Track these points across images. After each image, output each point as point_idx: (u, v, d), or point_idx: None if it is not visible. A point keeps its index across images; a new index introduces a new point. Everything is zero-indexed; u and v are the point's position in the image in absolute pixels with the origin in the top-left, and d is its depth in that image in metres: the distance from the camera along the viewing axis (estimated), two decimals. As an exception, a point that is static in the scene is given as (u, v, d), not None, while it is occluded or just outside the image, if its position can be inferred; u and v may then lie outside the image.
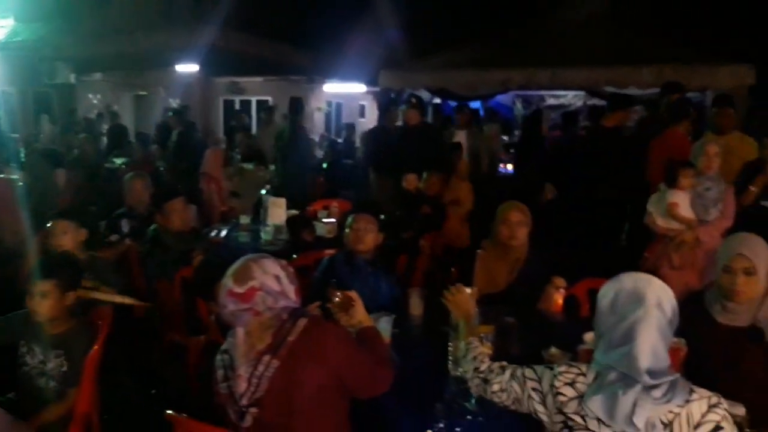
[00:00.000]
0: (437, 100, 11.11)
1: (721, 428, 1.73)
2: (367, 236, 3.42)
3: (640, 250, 4.40)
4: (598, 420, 1.77)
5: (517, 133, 11.79)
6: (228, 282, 2.09)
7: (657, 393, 1.73)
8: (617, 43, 8.68)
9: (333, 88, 14.47)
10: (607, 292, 1.92)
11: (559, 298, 3.25)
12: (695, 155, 4.19)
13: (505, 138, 10.27)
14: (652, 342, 1.77)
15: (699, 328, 2.55)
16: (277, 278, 2.13)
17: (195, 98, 13.59)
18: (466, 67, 9.30)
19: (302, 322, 2.07)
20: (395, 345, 2.76)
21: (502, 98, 11.94)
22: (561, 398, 1.85)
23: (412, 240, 5.00)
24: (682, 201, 4.09)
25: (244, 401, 2.01)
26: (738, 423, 2.31)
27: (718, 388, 2.44)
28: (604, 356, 1.85)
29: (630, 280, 1.88)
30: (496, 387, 2.04)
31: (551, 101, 11.79)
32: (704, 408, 1.75)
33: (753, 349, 2.49)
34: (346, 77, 13.41)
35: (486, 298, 3.47)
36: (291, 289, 2.16)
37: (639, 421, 1.71)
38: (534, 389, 1.93)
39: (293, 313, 2.10)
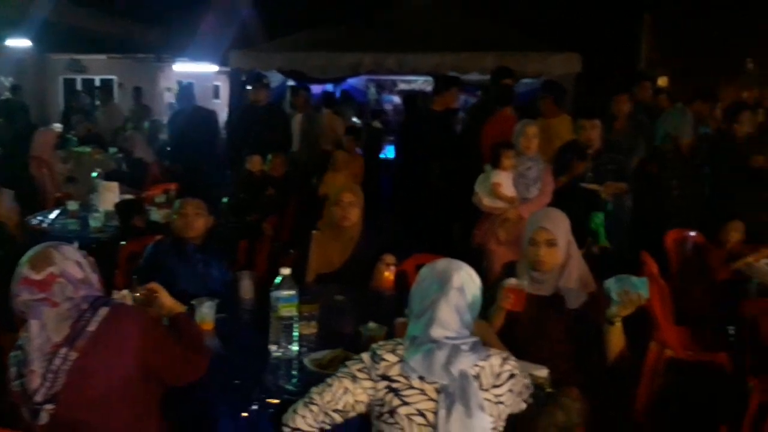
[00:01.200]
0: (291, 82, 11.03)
1: (515, 375, 2.01)
2: (197, 221, 3.33)
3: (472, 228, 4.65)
4: (420, 377, 1.92)
5: (381, 117, 12.01)
6: (23, 269, 1.96)
7: (465, 347, 1.94)
8: (463, 29, 9.02)
9: (183, 67, 13.90)
10: (423, 271, 2.09)
11: (389, 275, 3.36)
12: (516, 137, 4.47)
13: (358, 121, 10.39)
14: (446, 318, 1.95)
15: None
16: (79, 264, 2.03)
17: (29, 77, 12.54)
18: (317, 50, 9.27)
19: (103, 311, 1.98)
20: (220, 330, 2.74)
21: (356, 82, 12.07)
22: (384, 363, 1.95)
23: (257, 223, 4.96)
24: (504, 180, 4.36)
25: (39, 398, 1.91)
26: (540, 384, 2.53)
27: (527, 351, 2.67)
28: (411, 326, 2.02)
29: (443, 263, 2.06)
30: (328, 397, 1.96)
31: (402, 86, 12.09)
32: (500, 361, 1.99)
33: (555, 316, 2.72)
34: (197, 57, 12.92)
35: (321, 278, 3.55)
36: (94, 278, 2.07)
37: (454, 370, 1.90)
38: (359, 369, 1.98)
39: (95, 302, 2.01)
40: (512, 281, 2.55)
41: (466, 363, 1.91)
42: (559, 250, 2.64)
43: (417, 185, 5.36)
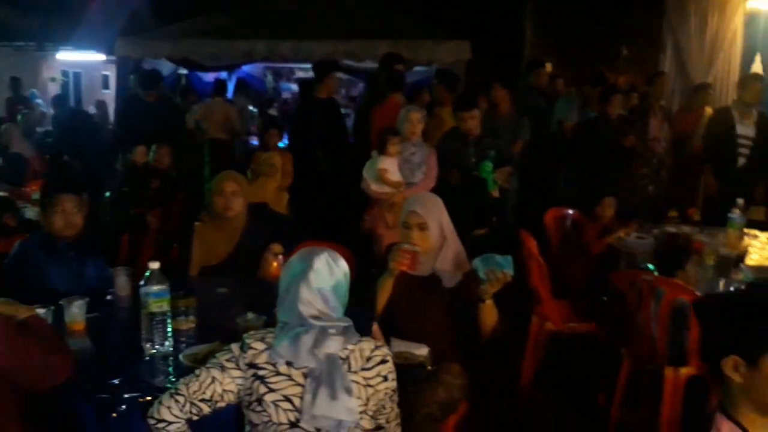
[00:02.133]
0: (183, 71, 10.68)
1: (386, 361, 2.00)
2: (73, 218, 3.16)
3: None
4: (287, 363, 1.90)
5: (276, 105, 11.84)
6: None
7: (333, 330, 1.93)
8: (356, 17, 9.02)
9: (69, 56, 13.16)
10: (291, 259, 2.07)
11: (276, 265, 3.32)
12: (401, 123, 4.53)
13: (254, 110, 10.22)
14: (308, 297, 1.94)
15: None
16: None
17: None
18: (209, 37, 9.02)
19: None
20: (93, 329, 2.63)
21: (253, 70, 11.85)
22: (252, 352, 1.93)
23: (141, 216, 4.79)
24: (390, 166, 4.42)
25: None
26: (421, 362, 2.59)
27: (408, 331, 2.72)
28: (280, 312, 2.01)
29: (308, 250, 2.05)
30: (194, 387, 1.92)
31: (300, 74, 11.96)
32: (372, 346, 2.00)
33: (433, 296, 2.78)
34: (82, 45, 12.26)
35: (206, 271, 3.46)
36: None
37: (320, 353, 1.89)
38: (228, 359, 1.95)
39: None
40: (406, 245, 2.60)
41: (334, 346, 1.91)
42: (431, 234, 2.70)
43: (305, 173, 5.34)
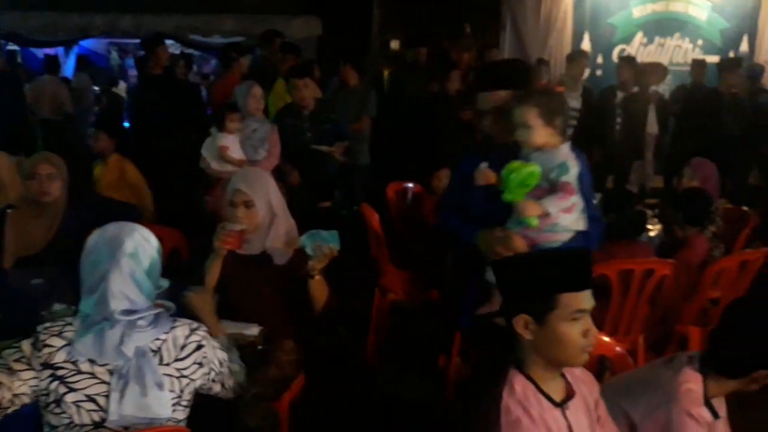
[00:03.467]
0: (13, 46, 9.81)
1: (203, 345, 1.90)
2: None
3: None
4: (90, 361, 1.76)
5: (123, 84, 11.13)
6: None
7: (142, 323, 1.80)
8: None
9: None
10: (92, 239, 1.89)
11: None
12: (242, 98, 4.42)
13: (97, 88, 9.58)
14: (122, 288, 1.80)
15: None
16: None
17: None
18: (39, 9, 8.35)
19: None
20: None
21: (95, 46, 11.10)
22: (48, 350, 1.76)
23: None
24: (231, 143, 4.30)
25: None
26: (252, 342, 2.56)
27: (240, 310, 2.67)
28: (83, 303, 1.84)
29: (114, 228, 1.88)
30: None
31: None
32: (187, 332, 1.88)
33: (264, 273, 2.75)
34: None
35: (23, 261, 3.21)
36: None
37: (128, 350, 1.76)
38: (17, 360, 1.77)
39: None
40: (228, 225, 2.53)
41: (144, 339, 1.79)
42: (258, 211, 2.66)
43: (145, 154, 5.09)
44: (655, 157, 5.80)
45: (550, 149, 2.20)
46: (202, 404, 2.04)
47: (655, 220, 3.96)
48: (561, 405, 1.57)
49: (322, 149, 4.67)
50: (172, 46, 10.75)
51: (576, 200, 2.25)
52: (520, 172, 2.09)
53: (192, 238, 3.66)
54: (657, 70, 6.00)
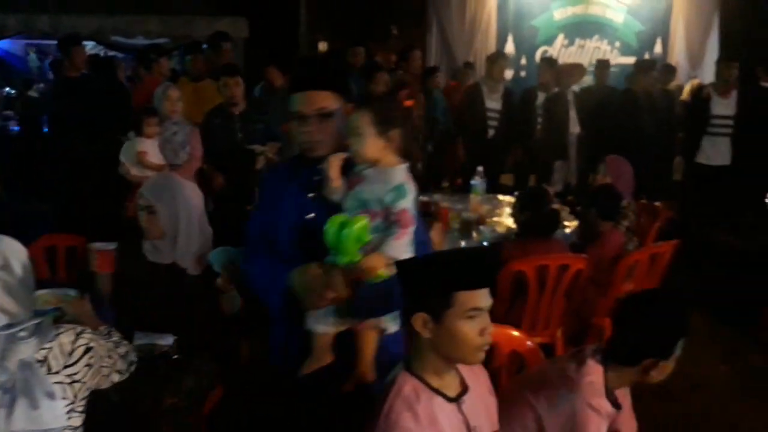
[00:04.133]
0: None
1: (92, 348, 1.83)
2: None
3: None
4: None
5: (41, 86, 10.69)
6: None
7: (23, 334, 1.73)
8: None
9: None
10: None
11: None
12: (159, 101, 4.32)
13: (12, 91, 9.19)
14: (1, 304, 1.70)
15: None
16: None
17: None
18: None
19: None
20: None
21: (10, 47, 10.65)
22: None
23: None
24: (150, 148, 4.19)
25: None
26: (165, 352, 2.50)
27: (151, 320, 2.61)
28: None
29: None
30: None
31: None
32: (72, 337, 1.81)
33: (176, 284, 2.71)
34: None
35: None
36: None
37: (11, 363, 1.69)
38: None
39: None
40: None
41: (27, 351, 1.72)
42: (159, 219, 2.63)
43: (64, 160, 4.92)
44: (578, 155, 5.98)
45: (387, 168, 1.84)
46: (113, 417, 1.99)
47: (572, 216, 4.09)
48: (456, 400, 1.60)
49: (255, 149, 4.62)
50: (94, 48, 10.55)
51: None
52: (352, 229, 1.71)
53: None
54: (576, 70, 6.20)
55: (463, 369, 1.66)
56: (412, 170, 1.97)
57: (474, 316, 1.53)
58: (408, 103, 5.48)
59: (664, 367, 1.90)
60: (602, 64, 6.54)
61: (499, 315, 3.30)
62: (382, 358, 1.89)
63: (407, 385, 1.57)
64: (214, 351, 2.57)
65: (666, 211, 4.18)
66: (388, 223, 1.80)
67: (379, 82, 5.42)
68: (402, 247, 1.79)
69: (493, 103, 5.65)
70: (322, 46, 7.84)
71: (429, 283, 1.56)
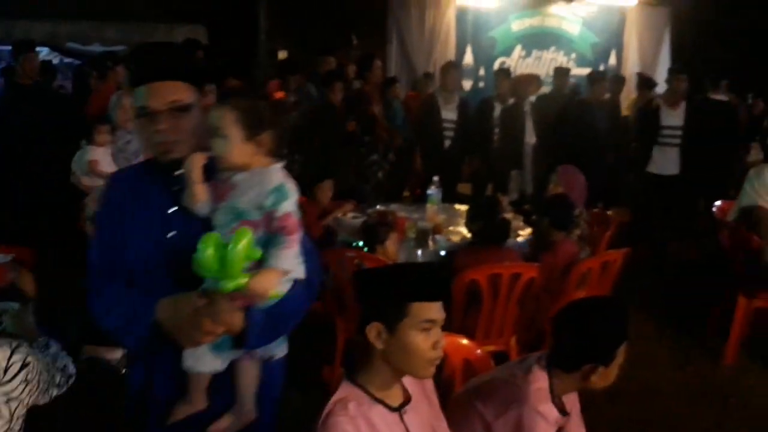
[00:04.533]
0: None
1: (28, 363, 1.80)
2: None
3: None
4: None
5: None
6: None
7: None
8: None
9: None
10: None
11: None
12: (113, 109, 4.26)
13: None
14: None
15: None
16: None
17: None
18: None
19: None
20: None
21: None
22: None
23: None
24: (101, 157, 4.14)
25: None
26: (115, 366, 2.47)
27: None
28: None
29: None
30: None
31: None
32: (8, 353, 1.78)
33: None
34: None
35: None
36: None
37: None
38: None
39: None
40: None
41: None
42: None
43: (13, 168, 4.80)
44: (533, 165, 6.08)
45: (262, 169, 1.58)
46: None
47: (527, 225, 4.15)
48: (398, 409, 1.61)
49: None
50: (49, 55, 10.34)
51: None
52: (237, 247, 1.43)
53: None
54: (532, 81, 6.30)
55: (407, 379, 1.67)
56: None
57: (427, 328, 1.54)
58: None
59: (606, 373, 1.93)
60: (561, 72, 6.66)
61: (454, 324, 3.36)
62: (264, 392, 1.70)
63: (347, 393, 1.57)
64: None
65: (618, 220, 4.27)
66: (272, 232, 1.53)
67: (337, 91, 5.44)
68: (293, 257, 1.56)
69: (449, 113, 5.70)
70: (282, 54, 7.83)
71: (385, 292, 1.57)
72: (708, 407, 3.68)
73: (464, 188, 6.08)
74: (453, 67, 5.89)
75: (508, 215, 4.05)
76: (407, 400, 1.65)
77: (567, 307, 2.11)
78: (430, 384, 1.79)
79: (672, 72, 6.10)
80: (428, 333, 1.55)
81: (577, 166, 5.10)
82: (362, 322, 1.59)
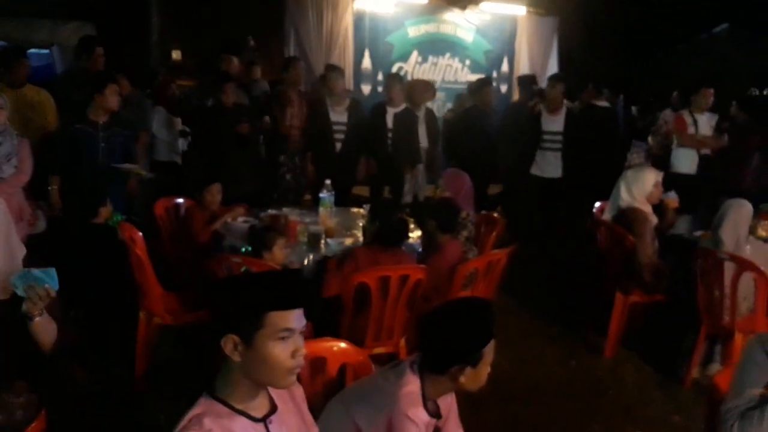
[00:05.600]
0: None
1: None
2: None
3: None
4: None
5: None
6: None
7: None
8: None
9: None
10: None
11: None
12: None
13: None
14: None
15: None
16: None
17: None
18: None
19: None
20: None
21: None
22: None
23: None
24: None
25: None
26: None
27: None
28: None
29: None
30: None
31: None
32: None
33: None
34: None
35: None
36: None
37: None
38: None
39: None
40: None
41: None
42: None
43: None
44: (427, 169, 6.16)
45: None
46: None
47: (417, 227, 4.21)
48: (262, 420, 1.57)
49: (123, 168, 4.46)
50: None
51: None
52: None
53: None
54: (428, 88, 6.39)
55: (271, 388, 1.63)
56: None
57: (286, 337, 1.49)
58: None
59: (475, 374, 1.96)
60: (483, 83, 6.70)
61: (344, 328, 3.35)
62: None
63: (205, 408, 1.50)
64: (34, 381, 2.38)
65: (503, 221, 4.40)
66: None
67: (228, 93, 5.32)
68: None
69: (339, 116, 5.67)
70: (176, 54, 7.59)
71: (240, 303, 1.50)
72: (589, 400, 3.86)
73: (361, 191, 6.09)
74: (331, 69, 5.80)
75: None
76: (273, 409, 1.61)
77: (433, 310, 2.14)
78: (300, 392, 1.76)
79: (551, 80, 6.38)
80: (287, 342, 1.49)
81: (469, 170, 5.24)
82: (216, 334, 1.52)
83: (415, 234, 4.03)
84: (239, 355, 1.49)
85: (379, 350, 3.43)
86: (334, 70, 5.80)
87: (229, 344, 1.49)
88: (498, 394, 3.82)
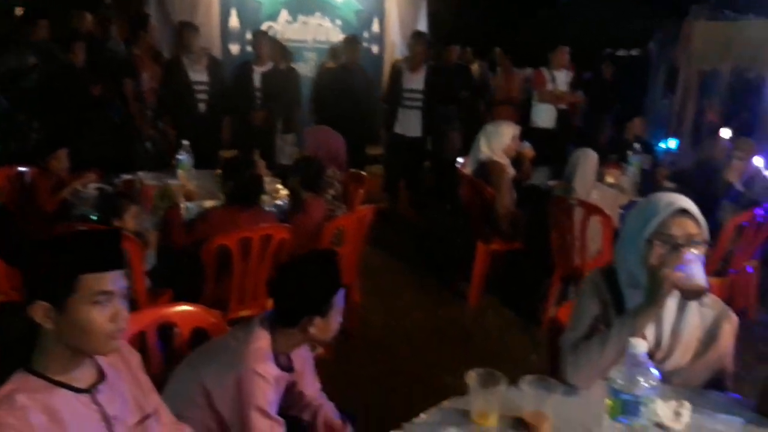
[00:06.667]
0: None
1: None
2: None
3: None
4: None
5: None
6: None
7: None
8: None
9: None
10: None
11: None
12: None
13: None
14: None
15: None
16: None
17: None
18: None
19: None
20: None
21: None
22: None
23: None
24: None
25: None
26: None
27: None
28: None
29: None
30: None
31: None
32: None
33: None
34: None
35: None
36: None
37: None
38: None
39: None
40: None
41: None
42: None
43: None
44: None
45: None
46: None
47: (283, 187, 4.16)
48: (88, 391, 1.46)
49: None
50: None
51: None
52: None
53: None
54: (282, 48, 6.25)
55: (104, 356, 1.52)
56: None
57: (102, 301, 1.38)
58: None
59: (324, 324, 1.97)
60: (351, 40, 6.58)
61: (206, 293, 3.26)
62: None
63: (18, 384, 1.37)
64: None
65: (370, 180, 4.44)
66: None
67: (78, 52, 4.95)
68: None
69: (198, 74, 5.40)
70: (19, 11, 6.95)
71: (48, 267, 1.37)
72: (455, 347, 4.02)
73: (228, 154, 5.91)
74: (185, 27, 5.47)
75: (266, 179, 4.00)
76: (102, 378, 1.52)
77: (281, 265, 2.12)
78: (136, 358, 1.66)
79: (413, 37, 6.38)
80: (105, 306, 1.39)
81: (337, 129, 5.22)
82: (25, 300, 1.38)
83: (281, 194, 3.97)
84: (52, 322, 1.37)
85: (245, 313, 3.37)
86: (188, 27, 5.49)
87: (39, 311, 1.36)
88: (371, 346, 3.90)
